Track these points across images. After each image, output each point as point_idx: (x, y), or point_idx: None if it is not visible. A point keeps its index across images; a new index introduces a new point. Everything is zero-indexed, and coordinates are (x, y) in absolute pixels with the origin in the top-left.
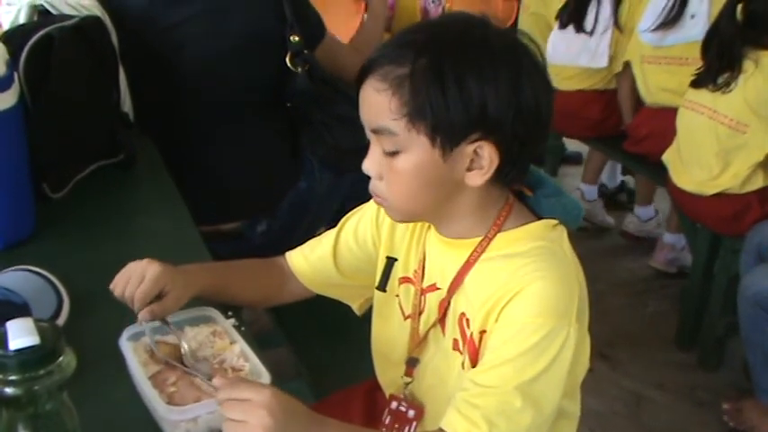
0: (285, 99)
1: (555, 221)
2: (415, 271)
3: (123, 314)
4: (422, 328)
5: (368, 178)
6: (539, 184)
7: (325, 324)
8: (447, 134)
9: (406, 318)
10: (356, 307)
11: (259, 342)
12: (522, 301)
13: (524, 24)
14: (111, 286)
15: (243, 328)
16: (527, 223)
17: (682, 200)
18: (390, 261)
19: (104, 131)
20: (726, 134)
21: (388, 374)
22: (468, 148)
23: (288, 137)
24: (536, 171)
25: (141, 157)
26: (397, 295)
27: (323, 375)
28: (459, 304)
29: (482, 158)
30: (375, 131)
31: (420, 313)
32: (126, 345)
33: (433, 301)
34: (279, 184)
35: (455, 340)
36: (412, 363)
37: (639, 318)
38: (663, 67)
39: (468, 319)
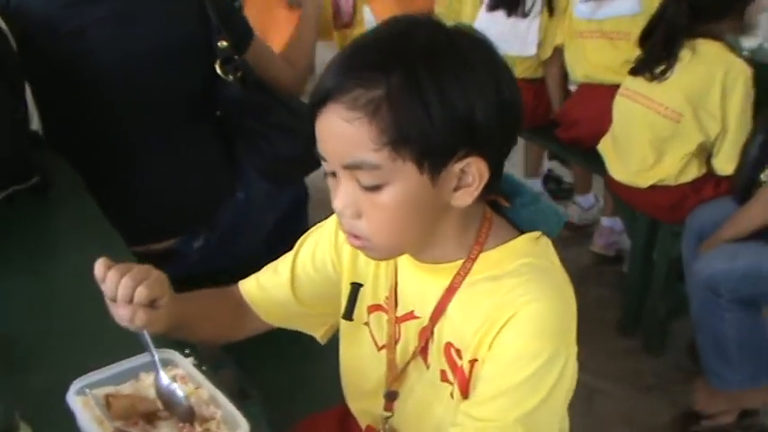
0: (215, 108)
1: (537, 234)
2: (387, 298)
3: (64, 362)
4: (399, 359)
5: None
6: (515, 193)
7: (280, 345)
8: (436, 155)
9: (380, 348)
10: (319, 336)
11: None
12: (516, 326)
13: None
14: (99, 273)
15: (204, 368)
16: (510, 239)
17: (618, 190)
18: (355, 287)
19: (13, 153)
20: (660, 123)
21: (361, 404)
22: (455, 167)
23: (222, 146)
24: (510, 177)
25: (58, 178)
26: (366, 323)
27: (282, 400)
28: (443, 333)
29: (469, 175)
30: (349, 167)
31: (396, 343)
32: (75, 400)
33: (410, 330)
34: (215, 196)
35: (442, 371)
36: (391, 396)
37: (582, 306)
38: (596, 42)
39: (458, 350)
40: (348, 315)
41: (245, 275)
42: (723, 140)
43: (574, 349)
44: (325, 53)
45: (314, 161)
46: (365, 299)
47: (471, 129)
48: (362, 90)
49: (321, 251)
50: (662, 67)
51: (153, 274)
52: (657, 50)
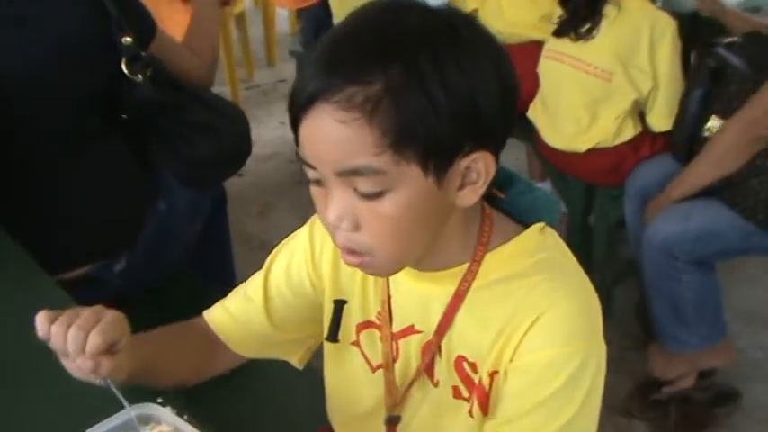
0: (123, 112)
1: (541, 224)
2: (379, 313)
3: None
4: (400, 380)
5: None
6: (509, 182)
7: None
8: (442, 153)
9: (375, 369)
10: (296, 360)
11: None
12: (542, 331)
13: None
14: (42, 332)
15: (186, 417)
16: (515, 235)
17: (552, 157)
18: (339, 305)
19: None
20: (592, 83)
21: (352, 429)
22: (461, 164)
23: (136, 154)
24: (502, 167)
25: None
26: (355, 343)
27: None
28: (453, 346)
29: (473, 172)
30: (346, 174)
31: (394, 362)
32: None
33: (411, 346)
34: (134, 211)
35: (455, 387)
36: (392, 421)
37: None
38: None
39: (472, 363)
40: (333, 336)
41: (172, 294)
42: (656, 96)
43: (604, 347)
44: None
45: (239, 160)
46: (352, 316)
47: (476, 120)
48: (357, 87)
49: (296, 268)
50: (587, 26)
51: (105, 315)
52: (581, 9)
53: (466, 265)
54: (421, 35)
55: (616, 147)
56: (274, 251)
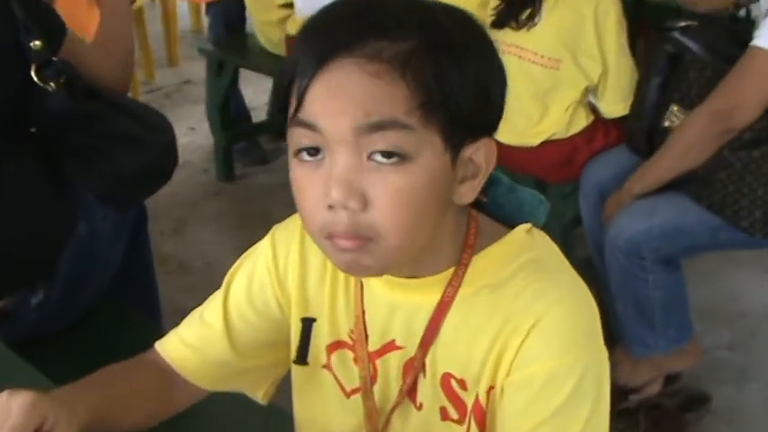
0: (33, 124)
1: (528, 225)
2: (351, 331)
3: None
4: (380, 404)
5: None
6: (490, 184)
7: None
8: (464, 127)
9: (349, 394)
10: (261, 395)
11: None
12: (539, 340)
13: None
14: None
15: None
16: (501, 236)
17: (502, 154)
18: (307, 324)
19: None
20: (539, 73)
21: None
22: (467, 151)
23: (50, 173)
24: None
25: None
26: (326, 366)
27: None
28: (438, 362)
29: (473, 164)
30: (370, 128)
31: (372, 384)
32: None
33: (391, 364)
34: (51, 237)
35: (443, 409)
36: None
37: None
38: None
39: (461, 380)
40: (301, 359)
41: (98, 327)
42: (606, 81)
43: (606, 353)
44: None
45: (165, 174)
46: (321, 336)
47: (488, 105)
48: (385, 42)
49: (259, 287)
50: (527, 13)
51: (12, 407)
52: (516, 1)
53: (451, 271)
54: (443, 13)
55: (570, 138)
56: (233, 268)
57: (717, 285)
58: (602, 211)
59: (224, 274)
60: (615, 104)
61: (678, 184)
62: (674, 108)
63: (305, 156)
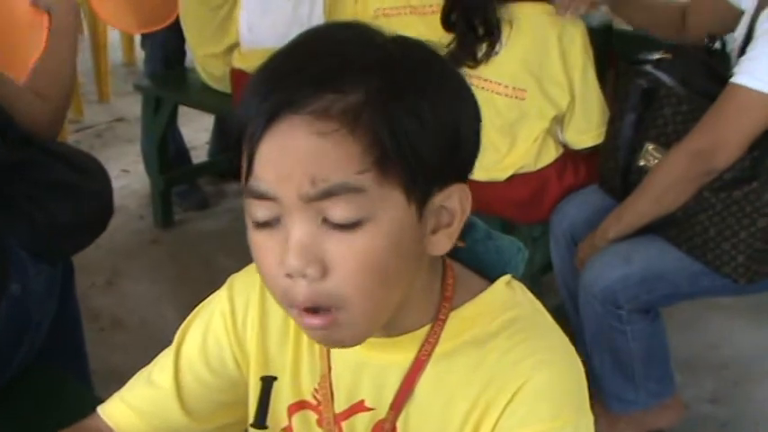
0: None
1: (507, 277)
2: (316, 390)
3: None
4: None
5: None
6: (466, 229)
7: None
8: (427, 176)
9: None
10: None
11: None
12: (526, 403)
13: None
14: None
15: None
16: (480, 291)
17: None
18: (267, 383)
19: None
20: (504, 104)
21: None
22: (437, 199)
23: None
24: None
25: None
26: (285, 429)
27: None
28: (411, 426)
29: (446, 212)
30: (318, 196)
31: None
32: None
33: (359, 427)
34: None
35: None
36: None
37: None
38: (406, 19)
39: None
40: (260, 421)
41: (25, 393)
42: (572, 109)
43: (591, 416)
44: None
45: (100, 224)
46: (282, 396)
47: (457, 148)
48: (334, 95)
49: (214, 342)
50: (484, 48)
51: None
52: (468, 35)
53: (426, 328)
54: (394, 52)
55: (539, 171)
56: (185, 322)
57: (697, 333)
58: (573, 256)
59: (161, 331)
60: (581, 134)
61: (656, 228)
62: (650, 147)
63: (260, 221)
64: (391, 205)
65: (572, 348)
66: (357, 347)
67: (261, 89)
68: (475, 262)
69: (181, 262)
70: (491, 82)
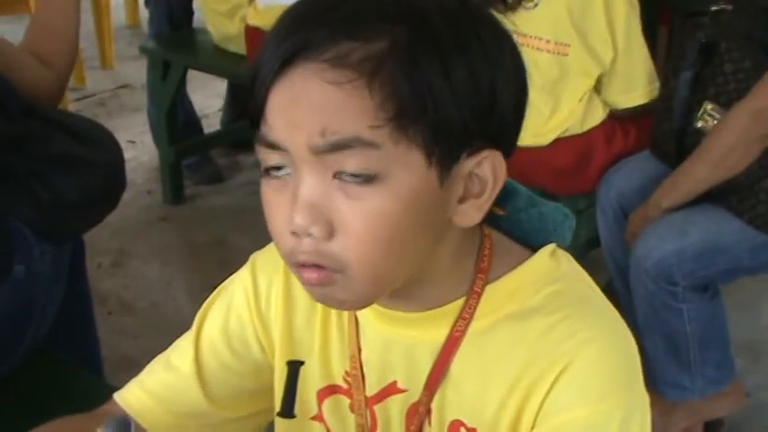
0: None
1: (552, 246)
2: (347, 373)
3: None
4: None
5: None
6: (508, 196)
7: None
8: (452, 140)
9: None
10: None
11: None
12: (571, 386)
13: None
14: None
15: None
16: (522, 260)
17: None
18: (294, 368)
19: None
20: (546, 61)
21: None
22: (466, 165)
23: None
24: None
25: None
26: (316, 418)
27: None
28: (446, 407)
29: (477, 180)
30: (329, 148)
31: None
32: None
33: (392, 410)
34: None
35: None
36: None
37: None
38: None
39: (472, 429)
40: (287, 411)
41: (33, 381)
42: (614, 66)
43: (647, 397)
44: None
45: (111, 200)
46: (311, 381)
47: (492, 113)
48: (354, 43)
49: (237, 324)
50: None
51: None
52: None
53: (460, 302)
54: (435, 4)
55: (586, 133)
56: (206, 304)
57: (759, 315)
58: (623, 229)
59: (173, 316)
60: (624, 94)
61: (715, 196)
62: (708, 106)
63: (272, 172)
64: (408, 166)
65: (623, 325)
66: (385, 326)
67: (278, 34)
68: (517, 231)
69: (192, 241)
70: (531, 37)
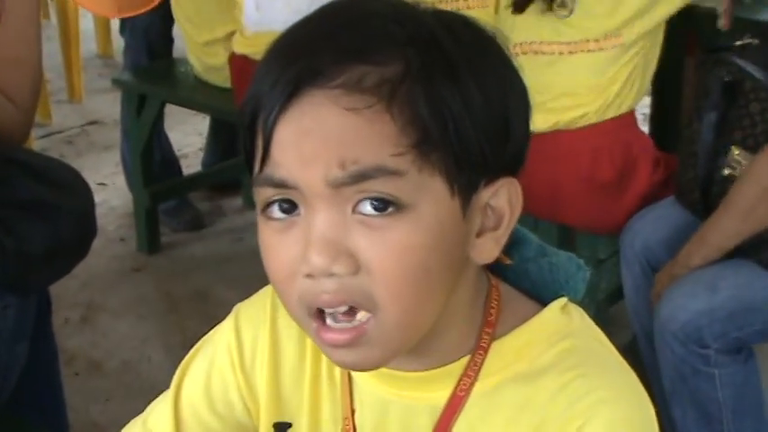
0: None
1: (563, 300)
2: None
3: None
4: None
5: None
6: (516, 244)
7: None
8: (474, 165)
9: None
10: None
11: None
12: None
13: None
14: None
15: None
16: (531, 315)
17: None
18: (281, 430)
19: None
20: (604, 60)
21: None
22: (484, 195)
23: None
24: None
25: None
26: None
27: None
28: None
29: (493, 211)
30: (350, 181)
31: None
32: None
33: None
34: None
35: None
36: None
37: None
38: None
39: None
40: None
41: None
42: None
43: None
44: None
45: (81, 249)
46: None
47: (506, 137)
48: (367, 67)
49: (219, 383)
50: None
51: None
52: None
53: (465, 360)
54: (442, 27)
55: (629, 142)
56: (185, 360)
57: None
58: (651, 285)
59: (147, 377)
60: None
61: (746, 249)
62: (735, 151)
63: (275, 211)
64: (433, 196)
65: (639, 386)
66: (381, 385)
67: (278, 61)
68: (526, 283)
69: (170, 294)
70: (579, 43)
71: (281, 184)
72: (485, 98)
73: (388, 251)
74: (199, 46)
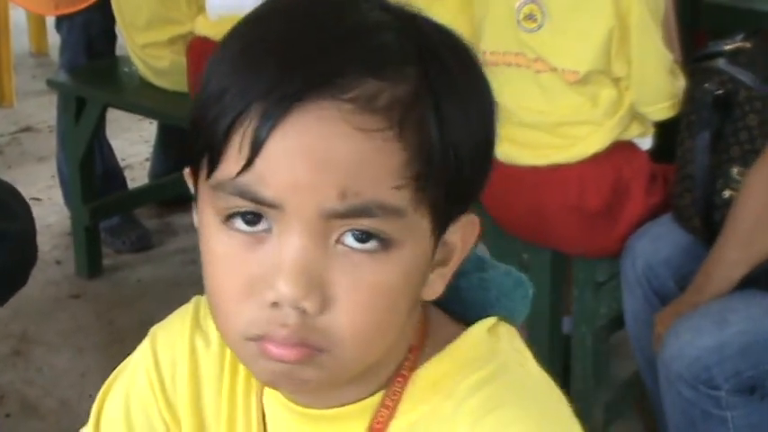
0: None
1: (492, 320)
2: None
3: None
4: None
5: None
6: None
7: None
8: (460, 201)
9: None
10: None
11: None
12: None
13: None
14: None
15: None
16: (452, 340)
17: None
18: None
19: None
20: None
21: None
22: (449, 232)
23: None
24: None
25: None
26: None
27: None
28: None
29: (446, 245)
30: (343, 214)
31: None
32: None
33: None
34: None
35: None
36: None
37: None
38: None
39: None
40: None
41: None
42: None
43: None
44: None
45: (22, 275)
46: None
47: (489, 161)
48: (382, 83)
49: (140, 409)
50: None
51: None
52: None
53: (380, 395)
54: (437, 32)
55: (624, 149)
56: (103, 389)
57: None
58: (653, 309)
59: (87, 417)
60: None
61: (755, 278)
62: (735, 171)
63: (240, 223)
64: (419, 234)
65: (565, 418)
66: (295, 423)
67: (268, 61)
68: (456, 303)
69: (112, 323)
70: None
71: (261, 202)
72: (478, 119)
73: (363, 290)
74: (140, 49)
